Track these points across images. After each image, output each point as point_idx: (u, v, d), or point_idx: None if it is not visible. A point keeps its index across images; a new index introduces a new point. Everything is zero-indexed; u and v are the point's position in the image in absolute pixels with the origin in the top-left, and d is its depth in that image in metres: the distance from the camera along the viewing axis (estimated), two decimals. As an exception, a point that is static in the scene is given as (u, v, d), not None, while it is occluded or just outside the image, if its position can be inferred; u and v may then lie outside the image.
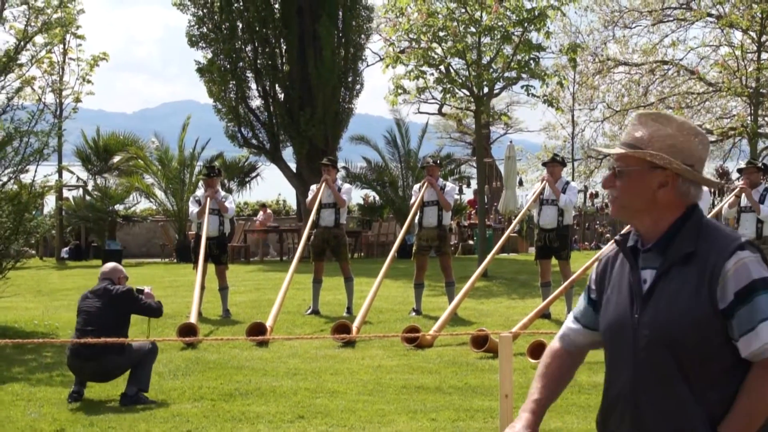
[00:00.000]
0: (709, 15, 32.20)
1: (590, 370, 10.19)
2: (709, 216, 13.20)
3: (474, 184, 32.51)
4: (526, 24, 21.08)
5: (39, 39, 16.15)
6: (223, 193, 15.71)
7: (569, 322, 3.74)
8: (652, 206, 3.39)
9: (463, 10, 21.37)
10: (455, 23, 21.01)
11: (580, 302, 3.73)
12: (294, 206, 34.66)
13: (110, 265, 10.13)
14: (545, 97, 22.83)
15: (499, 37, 21.38)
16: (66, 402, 9.41)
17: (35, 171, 15.44)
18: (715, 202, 27.13)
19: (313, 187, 15.55)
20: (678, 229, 3.37)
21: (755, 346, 3.23)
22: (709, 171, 36.58)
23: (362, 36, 31.32)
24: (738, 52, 28.94)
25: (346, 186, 16.04)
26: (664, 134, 3.40)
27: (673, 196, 3.38)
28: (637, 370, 3.34)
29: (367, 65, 36.22)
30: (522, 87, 22.61)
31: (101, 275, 9.87)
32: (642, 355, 3.32)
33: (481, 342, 11.65)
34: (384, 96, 23.04)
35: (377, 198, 32.87)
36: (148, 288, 10.13)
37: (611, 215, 3.53)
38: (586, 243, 32.60)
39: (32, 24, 15.61)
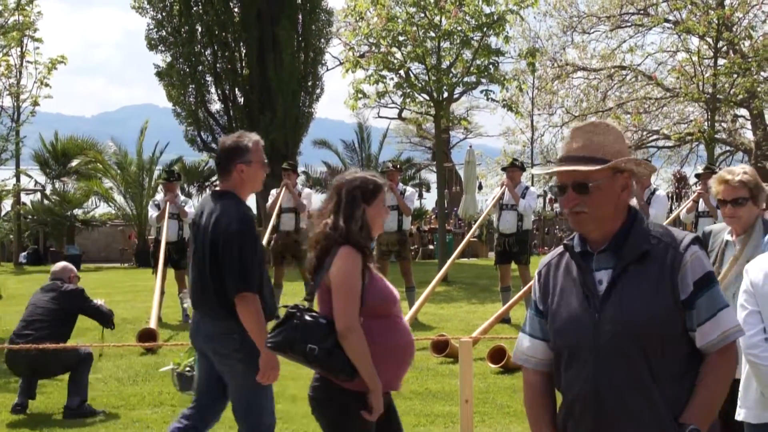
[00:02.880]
0: (667, 21, 32.51)
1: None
2: (667, 221, 13.28)
3: (433, 188, 32.58)
4: (485, 28, 21.16)
5: (-4, 42, 16.03)
6: (182, 197, 15.68)
7: (525, 344, 3.75)
8: (615, 211, 3.49)
9: (422, 15, 21.42)
10: (415, 28, 21.05)
11: (528, 319, 3.75)
12: (254, 211, 34.56)
13: (60, 264, 9.99)
14: (505, 102, 22.94)
15: (458, 41, 21.45)
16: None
17: (-8, 175, 15.34)
18: (673, 208, 27.37)
19: (274, 192, 15.54)
20: (628, 230, 3.48)
21: (715, 334, 3.36)
22: (666, 176, 36.92)
23: (322, 40, 31.28)
24: (695, 58, 29.16)
25: (307, 191, 16.08)
26: (609, 141, 3.51)
27: (628, 197, 3.53)
28: (600, 367, 3.39)
29: (327, 69, 36.20)
30: (481, 92, 22.73)
31: (51, 275, 9.73)
32: (605, 351, 3.38)
33: (441, 347, 11.69)
34: (344, 100, 23.07)
35: (337, 202, 32.83)
36: (101, 301, 9.88)
37: (580, 230, 3.54)
38: (546, 248, 32.73)
39: (-11, 27, 15.48)
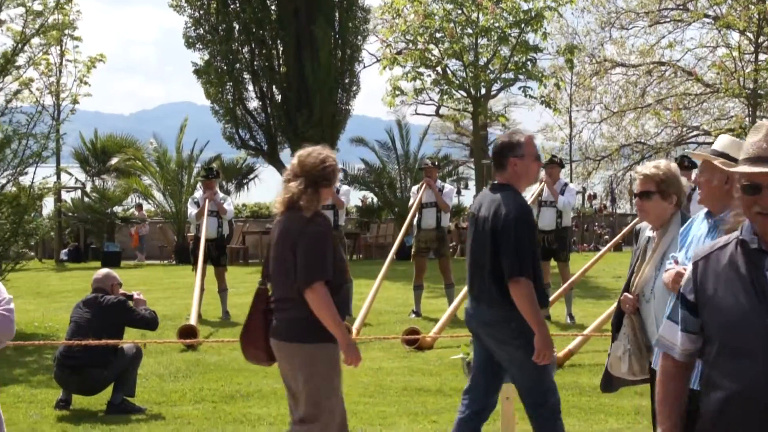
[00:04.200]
0: (706, 16, 32.27)
1: (591, 372, 10.24)
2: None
3: (471, 185, 32.51)
4: (522, 25, 21.13)
5: (36, 41, 16.12)
6: (221, 194, 15.71)
7: (674, 332, 3.80)
8: None
9: (459, 12, 21.42)
10: (452, 24, 21.06)
11: (675, 308, 3.80)
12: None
13: (102, 272, 9.80)
14: (542, 99, 22.88)
15: (495, 38, 21.44)
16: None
17: (34, 173, 15.46)
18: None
19: (311, 189, 15.52)
20: None
21: None
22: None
23: (359, 37, 31.22)
24: (735, 53, 28.96)
25: (345, 188, 16.03)
26: None
27: None
28: None
29: (364, 66, 36.14)
30: (519, 88, 22.70)
31: (93, 283, 9.55)
32: None
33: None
34: (381, 97, 23.10)
35: (375, 200, 32.85)
36: (137, 293, 9.72)
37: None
38: (585, 244, 32.56)
39: (29, 26, 15.58)
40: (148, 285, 19.41)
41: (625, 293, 5.75)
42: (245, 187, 37.40)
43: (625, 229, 16.19)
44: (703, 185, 5.21)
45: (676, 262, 5.15)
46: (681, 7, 33.72)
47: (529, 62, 21.86)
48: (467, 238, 6.75)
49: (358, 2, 30.79)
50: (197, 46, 30.18)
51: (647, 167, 5.85)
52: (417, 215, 15.12)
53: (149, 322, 9.53)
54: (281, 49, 30.17)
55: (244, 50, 30.25)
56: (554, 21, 28.22)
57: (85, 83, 20.80)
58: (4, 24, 15.60)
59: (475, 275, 6.47)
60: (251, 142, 31.08)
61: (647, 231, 5.93)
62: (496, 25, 21.23)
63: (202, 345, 12.44)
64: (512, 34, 21.41)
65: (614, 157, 37.35)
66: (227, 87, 30.16)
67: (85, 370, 9.06)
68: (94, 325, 9.12)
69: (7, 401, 9.56)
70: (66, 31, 18.67)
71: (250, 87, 30.83)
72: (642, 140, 36.60)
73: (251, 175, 37.27)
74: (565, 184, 14.86)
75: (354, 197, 30.78)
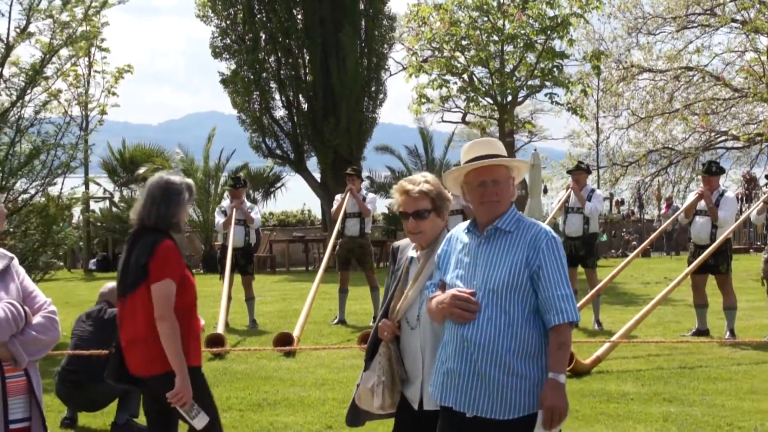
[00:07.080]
0: (734, 21, 32.12)
1: (618, 379, 10.18)
2: (737, 223, 13.09)
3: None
4: (549, 32, 21.08)
5: (64, 52, 16.23)
6: (248, 203, 15.75)
7: None
8: None
9: (485, 19, 21.39)
10: (478, 32, 21.02)
11: None
12: (319, 216, 34.70)
13: (109, 285, 9.48)
14: (569, 105, 22.78)
15: (522, 45, 21.40)
16: (96, 413, 9.38)
17: (62, 183, 15.57)
18: (743, 209, 26.97)
19: (338, 197, 15.56)
20: None
21: None
22: (735, 177, 36.45)
23: (385, 45, 31.30)
24: (764, 58, 28.79)
25: (371, 195, 16.03)
26: None
27: None
28: None
29: (390, 74, 36.16)
30: (546, 95, 22.62)
31: (99, 297, 9.48)
32: None
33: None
34: (407, 105, 23.07)
35: (402, 207, 32.83)
36: None
37: None
38: (613, 251, 32.43)
39: (57, 37, 15.68)
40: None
41: (384, 319, 5.22)
42: (272, 195, 37.48)
43: (653, 235, 16.18)
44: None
45: (443, 288, 4.71)
46: (708, 12, 33.56)
47: (555, 69, 21.80)
48: None
49: (384, 10, 30.87)
50: (224, 55, 30.34)
51: (416, 182, 5.20)
52: (443, 222, 15.08)
53: None
54: (307, 57, 30.26)
55: (270, 59, 30.37)
56: (580, 27, 28.12)
57: (114, 94, 20.93)
58: (33, 36, 15.70)
59: None
60: (278, 151, 31.17)
61: (409, 250, 5.35)
62: (522, 32, 21.21)
63: (229, 353, 12.46)
64: (538, 41, 21.37)
65: (642, 163, 37.21)
66: (254, 96, 30.29)
67: (86, 385, 8.89)
68: (95, 338, 9.02)
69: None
70: (94, 42, 18.79)
71: (277, 96, 30.94)
72: (670, 146, 36.45)
73: (278, 184, 37.34)
74: (592, 191, 14.82)
75: (380, 205, 30.79)
